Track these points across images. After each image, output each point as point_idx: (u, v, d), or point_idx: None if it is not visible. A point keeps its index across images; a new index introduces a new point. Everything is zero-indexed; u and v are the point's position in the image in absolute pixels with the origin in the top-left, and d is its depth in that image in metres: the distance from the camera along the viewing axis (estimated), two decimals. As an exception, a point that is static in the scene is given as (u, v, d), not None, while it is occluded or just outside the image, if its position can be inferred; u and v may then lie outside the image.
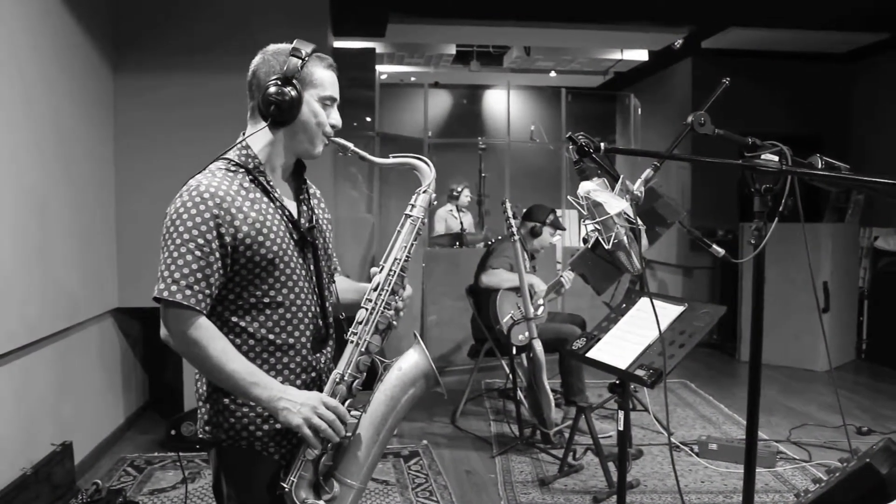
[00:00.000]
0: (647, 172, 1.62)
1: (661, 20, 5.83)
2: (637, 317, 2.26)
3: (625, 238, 1.56)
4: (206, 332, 1.38)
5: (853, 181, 1.62)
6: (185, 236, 1.36)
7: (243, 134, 1.52)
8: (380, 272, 1.54)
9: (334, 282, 1.64)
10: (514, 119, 6.88)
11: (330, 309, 1.57)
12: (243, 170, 1.46)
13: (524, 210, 4.31)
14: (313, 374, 1.52)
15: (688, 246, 6.86)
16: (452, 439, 4.02)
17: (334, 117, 1.53)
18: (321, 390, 1.48)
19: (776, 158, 1.57)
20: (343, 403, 1.45)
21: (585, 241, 1.66)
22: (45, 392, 3.11)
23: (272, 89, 1.43)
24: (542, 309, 3.95)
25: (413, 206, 1.57)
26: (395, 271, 1.53)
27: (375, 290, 1.52)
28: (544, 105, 8.56)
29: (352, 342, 1.49)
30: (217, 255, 1.38)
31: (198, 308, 1.37)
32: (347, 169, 5.92)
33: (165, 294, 1.35)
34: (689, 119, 1.62)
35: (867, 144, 6.76)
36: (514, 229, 3.71)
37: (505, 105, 7.08)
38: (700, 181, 6.84)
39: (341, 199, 5.81)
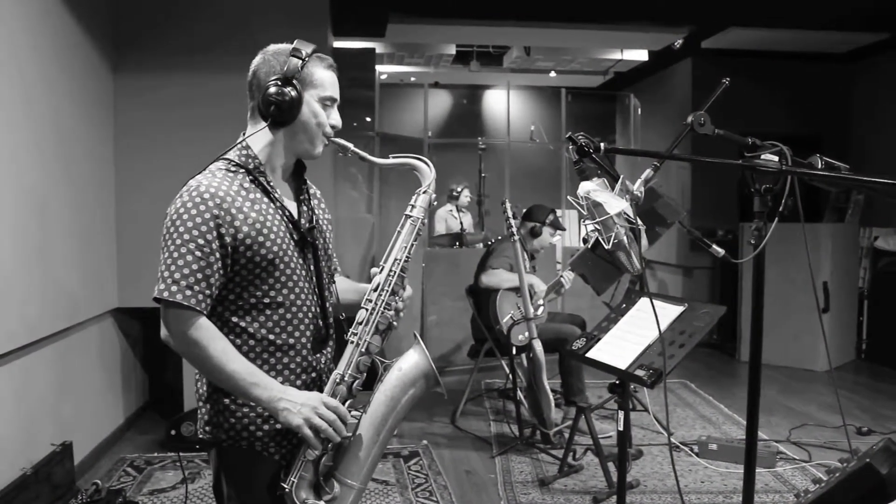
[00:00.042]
0: (647, 172, 1.62)
1: (661, 20, 5.83)
2: (637, 317, 2.26)
3: (625, 238, 1.56)
4: (207, 333, 1.38)
5: (853, 181, 1.62)
6: (186, 237, 1.36)
7: (243, 134, 1.52)
8: (380, 272, 1.54)
9: (334, 282, 1.64)
10: (513, 119, 6.88)
11: (330, 309, 1.57)
12: (243, 170, 1.46)
13: (524, 210, 4.31)
14: (313, 375, 1.52)
15: (688, 246, 6.86)
16: (452, 439, 4.02)
17: (334, 118, 1.53)
18: (321, 391, 1.48)
19: (776, 158, 1.57)
20: (343, 404, 1.45)
21: (585, 241, 1.66)
22: (45, 392, 3.11)
23: (272, 89, 1.43)
24: (541, 309, 3.95)
25: (413, 206, 1.57)
26: (395, 272, 1.53)
27: (375, 290, 1.52)
28: (544, 105, 8.56)
29: (352, 342, 1.49)
30: (217, 255, 1.38)
31: (198, 308, 1.37)
32: (347, 169, 5.92)
33: (166, 294, 1.35)
34: (689, 119, 1.62)
35: (867, 144, 6.76)
36: (514, 229, 3.71)
37: (505, 105, 7.08)
38: (700, 181, 6.84)
39: (341, 199, 5.81)
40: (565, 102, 6.67)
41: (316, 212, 1.60)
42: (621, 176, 1.59)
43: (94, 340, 3.73)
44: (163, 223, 1.41)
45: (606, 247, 1.55)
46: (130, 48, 3.93)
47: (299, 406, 1.39)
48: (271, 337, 1.46)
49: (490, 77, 8.35)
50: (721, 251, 1.79)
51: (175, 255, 1.36)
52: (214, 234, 1.38)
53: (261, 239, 1.42)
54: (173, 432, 3.75)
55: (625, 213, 1.54)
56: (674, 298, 2.33)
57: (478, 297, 4.26)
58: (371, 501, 3.17)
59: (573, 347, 2.27)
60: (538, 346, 3.55)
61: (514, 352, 3.81)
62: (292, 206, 1.53)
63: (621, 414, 2.22)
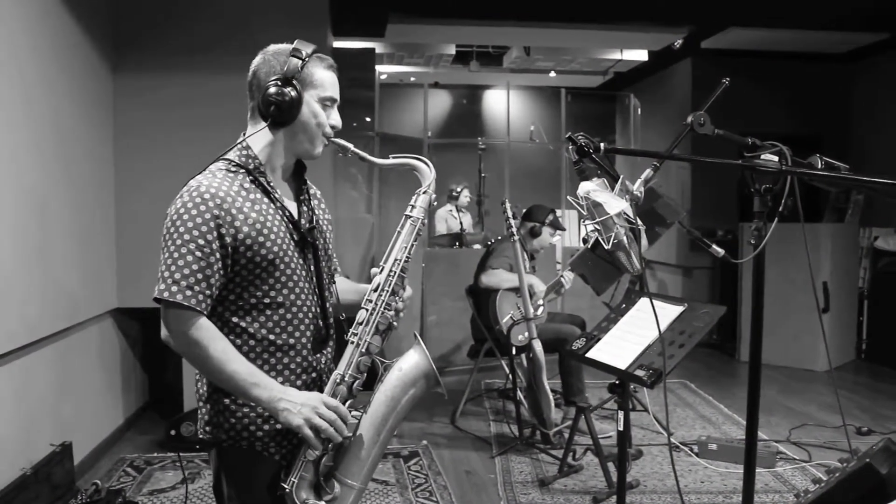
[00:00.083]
0: (647, 172, 1.62)
1: (661, 20, 5.83)
2: (637, 317, 2.26)
3: (624, 238, 1.56)
4: (207, 333, 1.38)
5: (853, 181, 1.62)
6: (186, 237, 1.36)
7: (243, 134, 1.52)
8: (380, 273, 1.54)
9: (334, 282, 1.65)
10: (513, 119, 6.88)
11: (330, 309, 1.57)
12: (244, 170, 1.46)
13: (524, 210, 4.31)
14: (314, 375, 1.52)
15: (687, 246, 6.86)
16: (452, 439, 4.02)
17: (334, 118, 1.53)
18: (322, 391, 1.48)
19: (776, 158, 1.57)
20: (344, 404, 1.45)
21: (585, 241, 1.66)
22: (44, 392, 3.11)
23: (272, 90, 1.43)
24: (541, 309, 3.95)
25: (413, 206, 1.57)
26: (395, 272, 1.53)
27: (376, 290, 1.52)
28: (544, 105, 8.56)
29: (352, 343, 1.49)
30: (217, 255, 1.38)
31: (198, 308, 1.37)
32: (347, 169, 5.92)
33: (166, 294, 1.35)
34: (689, 119, 1.62)
35: (867, 144, 6.76)
36: (514, 229, 3.71)
37: (505, 105, 7.07)
38: (700, 181, 6.85)
39: (341, 199, 5.81)
40: (565, 102, 6.67)
41: (316, 212, 1.60)
42: (621, 176, 1.59)
43: (93, 340, 3.73)
44: (163, 223, 1.41)
45: (606, 247, 1.55)
46: (130, 48, 3.93)
47: (299, 406, 1.39)
48: (271, 337, 1.46)
49: (490, 77, 8.35)
50: (721, 251, 1.79)
51: (175, 255, 1.36)
52: (215, 234, 1.38)
53: (261, 239, 1.42)
54: (173, 432, 3.75)
55: (624, 213, 1.54)
56: (674, 298, 2.33)
57: (478, 298, 4.26)
58: (371, 501, 3.17)
59: (573, 347, 2.27)
60: (538, 346, 3.55)
61: (513, 352, 3.81)
62: (292, 207, 1.53)
63: (621, 414, 2.22)
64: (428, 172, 1.58)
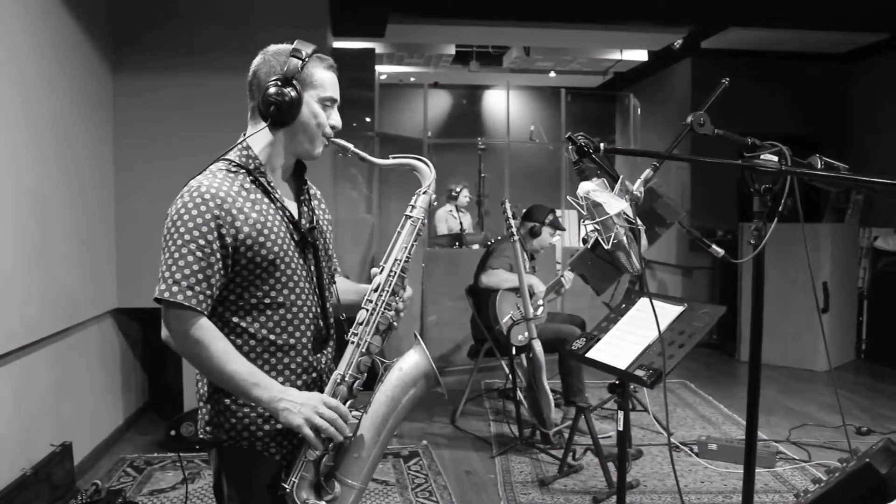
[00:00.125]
0: (647, 173, 1.62)
1: (661, 20, 5.83)
2: (637, 317, 2.26)
3: (624, 238, 1.56)
4: (208, 333, 1.38)
5: (853, 181, 1.62)
6: (187, 237, 1.36)
7: (244, 134, 1.52)
8: (380, 273, 1.54)
9: (335, 282, 1.65)
10: (513, 119, 6.88)
11: (330, 310, 1.57)
12: (244, 170, 1.47)
13: (524, 210, 4.31)
14: (314, 375, 1.52)
15: (687, 246, 6.86)
16: (452, 439, 4.02)
17: (334, 118, 1.53)
18: (322, 391, 1.48)
19: (775, 158, 1.57)
20: (344, 404, 1.45)
21: (585, 241, 1.66)
22: (44, 392, 3.11)
23: (272, 90, 1.43)
24: (541, 309, 3.96)
25: (413, 206, 1.57)
26: (395, 272, 1.53)
27: (376, 290, 1.52)
28: (544, 105, 8.56)
29: (352, 343, 1.49)
30: (218, 255, 1.38)
31: (199, 309, 1.37)
32: (347, 170, 5.92)
33: (167, 295, 1.36)
34: (689, 119, 1.62)
35: (867, 144, 6.76)
36: (514, 229, 3.71)
37: (504, 105, 7.07)
38: (699, 181, 6.85)
39: (341, 199, 5.81)
40: (565, 102, 6.67)
41: (316, 212, 1.60)
42: (621, 176, 1.59)
43: (93, 341, 3.73)
44: (163, 224, 1.41)
45: (606, 247, 1.55)
46: (130, 48, 3.93)
47: (300, 406, 1.39)
48: (272, 337, 1.46)
49: (489, 77, 8.35)
50: (721, 251, 1.79)
51: (176, 255, 1.36)
52: (215, 234, 1.38)
53: (261, 239, 1.42)
54: (173, 433, 3.75)
55: (624, 213, 1.54)
56: (673, 298, 2.33)
57: (477, 298, 4.26)
58: (371, 501, 3.17)
59: (573, 347, 2.27)
60: (538, 346, 3.55)
61: (513, 352, 3.81)
62: (293, 207, 1.53)
63: (621, 414, 2.22)
64: (428, 173, 1.58)
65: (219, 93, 3.67)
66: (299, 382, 1.49)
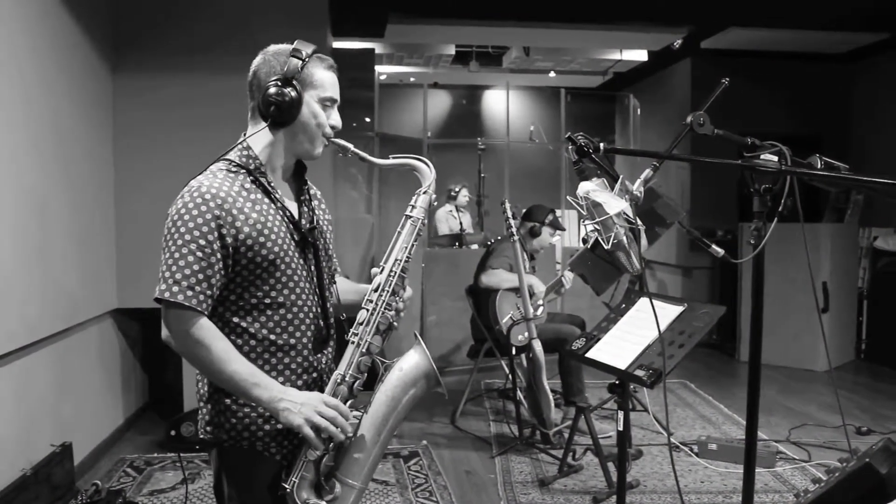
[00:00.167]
0: (647, 172, 1.62)
1: (661, 20, 5.84)
2: (636, 317, 2.26)
3: (624, 238, 1.56)
4: (208, 333, 1.38)
5: (853, 181, 1.62)
6: (187, 237, 1.36)
7: (244, 134, 1.52)
8: (380, 273, 1.54)
9: (335, 283, 1.65)
10: (513, 119, 6.88)
11: (331, 310, 1.57)
12: (244, 171, 1.47)
13: (523, 210, 4.31)
14: (314, 375, 1.52)
15: (687, 246, 6.86)
16: (452, 439, 4.02)
17: (334, 118, 1.53)
18: (322, 391, 1.48)
19: (775, 158, 1.57)
20: (344, 404, 1.45)
21: (585, 241, 1.66)
22: (44, 392, 3.11)
23: (272, 90, 1.43)
24: (541, 309, 3.96)
25: (413, 206, 1.57)
26: (395, 272, 1.53)
27: (376, 290, 1.52)
28: (543, 105, 8.56)
29: (353, 343, 1.49)
30: (218, 255, 1.39)
31: (199, 309, 1.37)
32: (347, 170, 5.92)
33: (167, 295, 1.36)
34: (689, 119, 1.62)
35: (867, 144, 6.76)
36: (514, 229, 3.71)
37: (504, 105, 7.07)
38: (699, 181, 6.85)
39: (341, 199, 5.81)
40: (564, 103, 6.67)
41: (316, 212, 1.60)
42: (621, 176, 1.59)
43: (93, 341, 3.73)
44: (163, 224, 1.41)
45: (606, 247, 1.55)
46: (130, 48, 3.93)
47: (300, 406, 1.39)
48: (272, 337, 1.46)
49: (489, 77, 8.35)
50: (720, 251, 1.79)
51: (176, 255, 1.36)
52: (216, 234, 1.38)
53: (262, 240, 1.42)
54: (173, 433, 3.75)
55: (624, 213, 1.54)
56: (673, 298, 2.33)
57: (477, 298, 4.26)
58: (371, 501, 3.17)
59: (573, 347, 2.27)
60: (538, 346, 3.55)
61: (513, 352, 3.81)
62: (293, 207, 1.53)
63: (621, 414, 2.22)
64: (428, 173, 1.58)
65: (219, 93, 3.67)
66: (300, 382, 1.49)
